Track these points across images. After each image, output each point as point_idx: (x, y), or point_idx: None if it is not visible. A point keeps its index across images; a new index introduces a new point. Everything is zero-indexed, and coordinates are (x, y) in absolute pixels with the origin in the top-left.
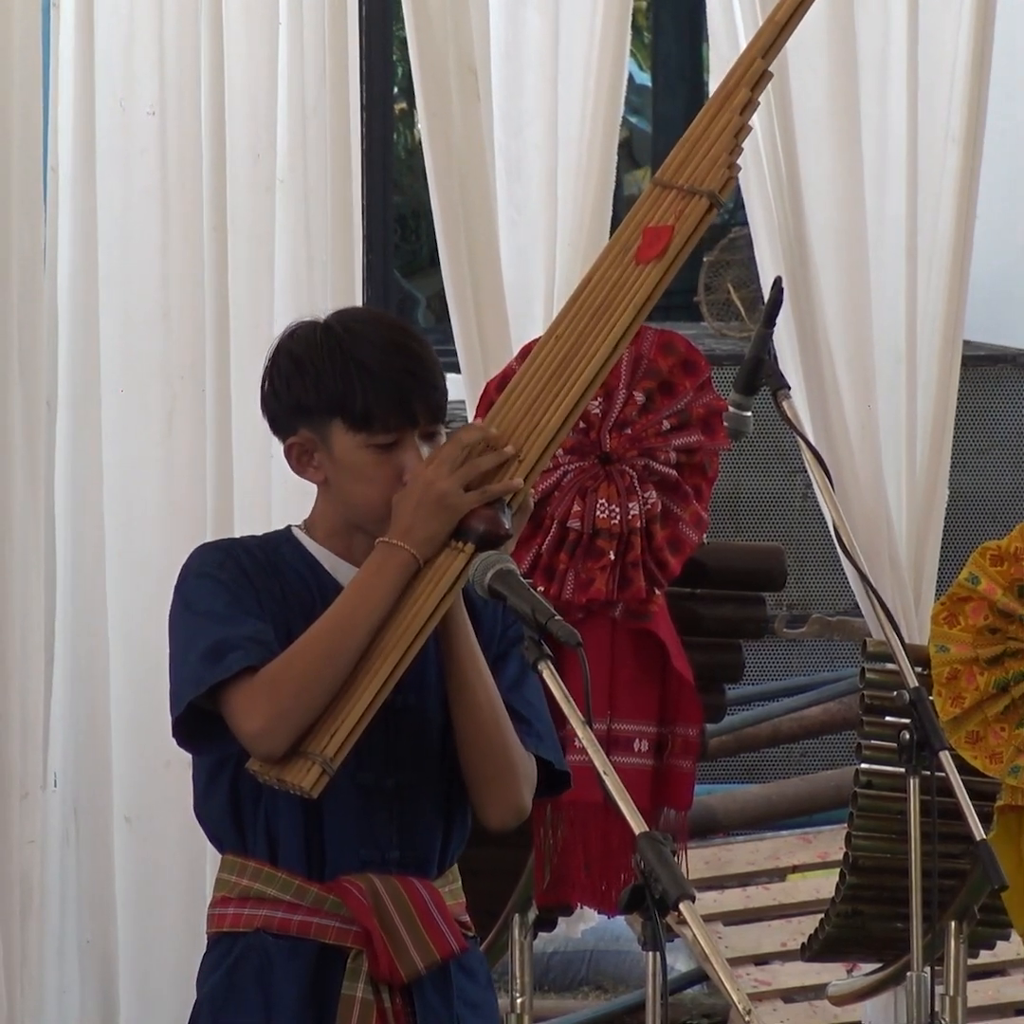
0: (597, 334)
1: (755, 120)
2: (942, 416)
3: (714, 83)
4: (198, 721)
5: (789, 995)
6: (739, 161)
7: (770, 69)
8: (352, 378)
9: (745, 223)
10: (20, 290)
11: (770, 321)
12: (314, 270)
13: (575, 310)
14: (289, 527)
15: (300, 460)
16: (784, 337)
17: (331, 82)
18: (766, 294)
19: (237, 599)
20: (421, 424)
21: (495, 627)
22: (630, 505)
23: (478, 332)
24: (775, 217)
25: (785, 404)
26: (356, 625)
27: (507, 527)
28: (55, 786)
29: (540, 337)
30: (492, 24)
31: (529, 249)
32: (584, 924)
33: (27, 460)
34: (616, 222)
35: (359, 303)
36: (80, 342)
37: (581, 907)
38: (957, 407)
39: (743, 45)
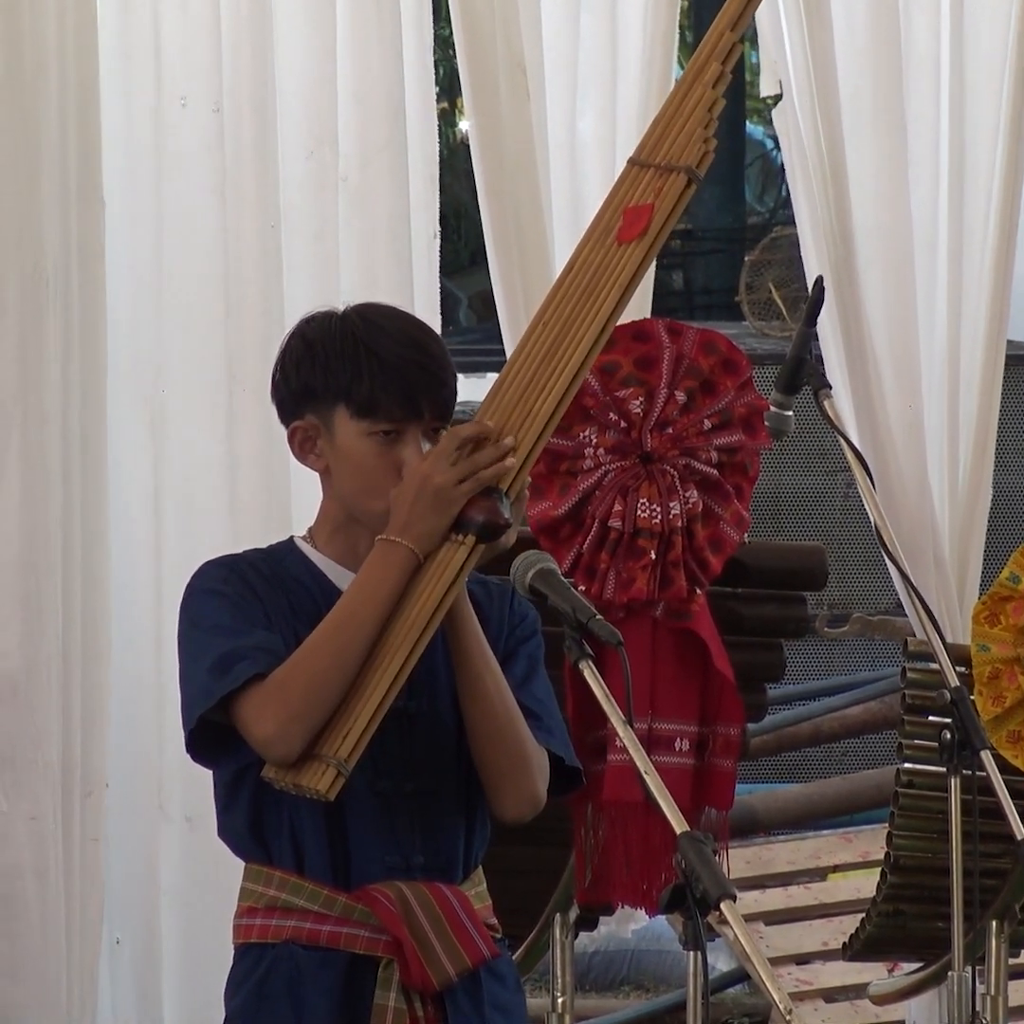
0: (584, 317)
1: (800, 118)
2: (986, 415)
3: (763, 82)
4: (212, 734)
5: (830, 995)
6: (791, 160)
7: (739, 41)
8: (361, 364)
9: (786, 222)
10: (81, 292)
11: (811, 320)
12: (387, 270)
13: (560, 295)
14: (292, 538)
15: (302, 446)
16: (829, 336)
17: (389, 75)
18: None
19: (242, 612)
20: (426, 418)
21: (502, 626)
22: (671, 504)
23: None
24: (820, 215)
25: (826, 403)
26: (361, 623)
27: (506, 517)
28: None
29: (528, 326)
30: (543, 22)
31: None
32: (634, 924)
33: (94, 460)
34: None
35: (434, 303)
36: (140, 341)
37: (622, 906)
38: (1001, 406)
39: (789, 46)
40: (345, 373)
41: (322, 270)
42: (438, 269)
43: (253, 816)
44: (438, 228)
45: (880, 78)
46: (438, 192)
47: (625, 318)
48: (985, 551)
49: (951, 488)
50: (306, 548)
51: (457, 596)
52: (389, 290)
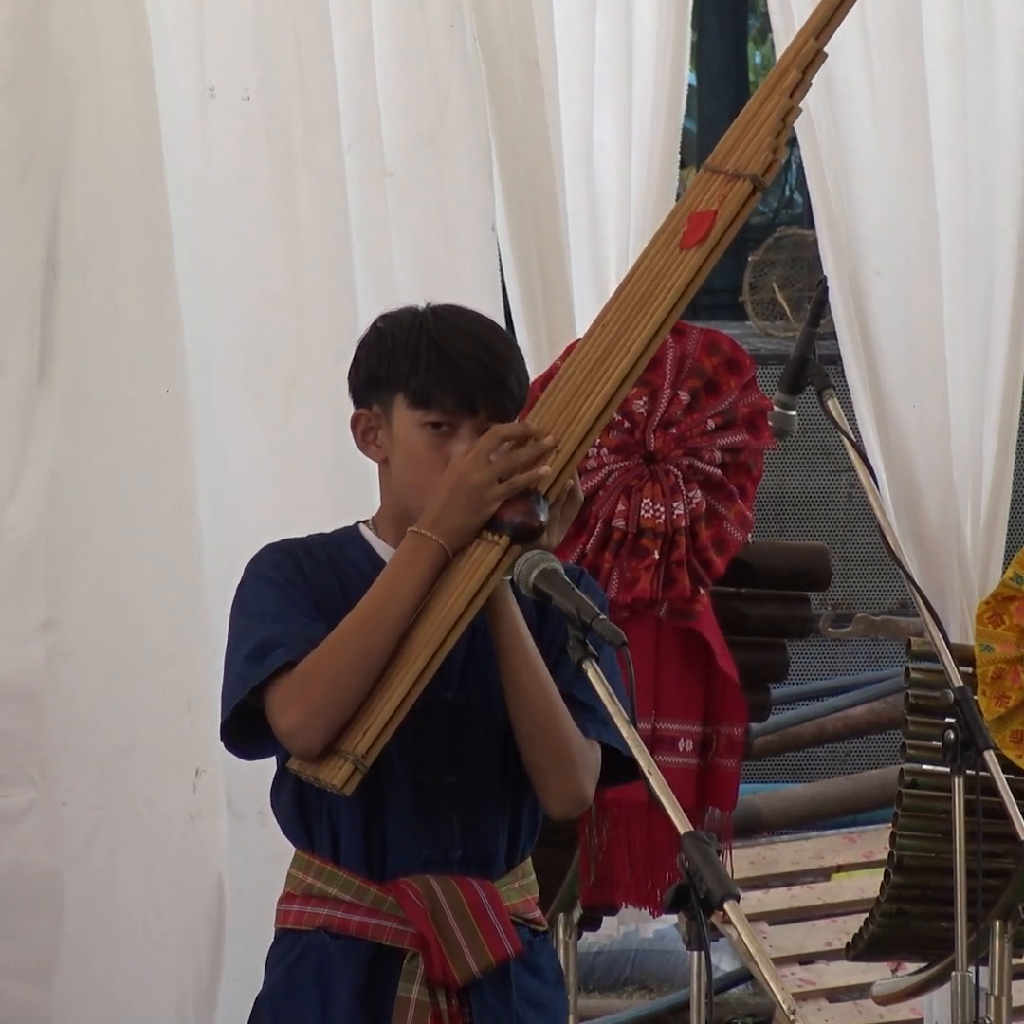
0: (639, 321)
1: (813, 114)
2: (1009, 414)
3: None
4: (250, 722)
5: (834, 994)
6: (807, 159)
7: (825, 50)
8: (420, 353)
9: (790, 222)
10: (165, 283)
11: (815, 320)
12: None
13: (622, 298)
14: (357, 524)
15: (365, 436)
16: (846, 337)
17: (433, 67)
18: (829, 294)
19: (290, 598)
20: (480, 416)
21: (563, 620)
22: (675, 504)
23: (546, 328)
24: (836, 213)
25: (830, 403)
26: (387, 617)
27: (542, 519)
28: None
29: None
30: (558, 24)
31: (600, 245)
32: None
33: (180, 462)
34: None
35: (496, 297)
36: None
37: (626, 906)
38: (1022, 405)
39: None
40: (405, 362)
41: (370, 265)
42: (497, 262)
43: (296, 801)
44: (495, 220)
45: (900, 69)
46: (493, 183)
47: None
48: (1005, 552)
49: (974, 488)
50: (369, 535)
51: (498, 591)
52: (442, 285)
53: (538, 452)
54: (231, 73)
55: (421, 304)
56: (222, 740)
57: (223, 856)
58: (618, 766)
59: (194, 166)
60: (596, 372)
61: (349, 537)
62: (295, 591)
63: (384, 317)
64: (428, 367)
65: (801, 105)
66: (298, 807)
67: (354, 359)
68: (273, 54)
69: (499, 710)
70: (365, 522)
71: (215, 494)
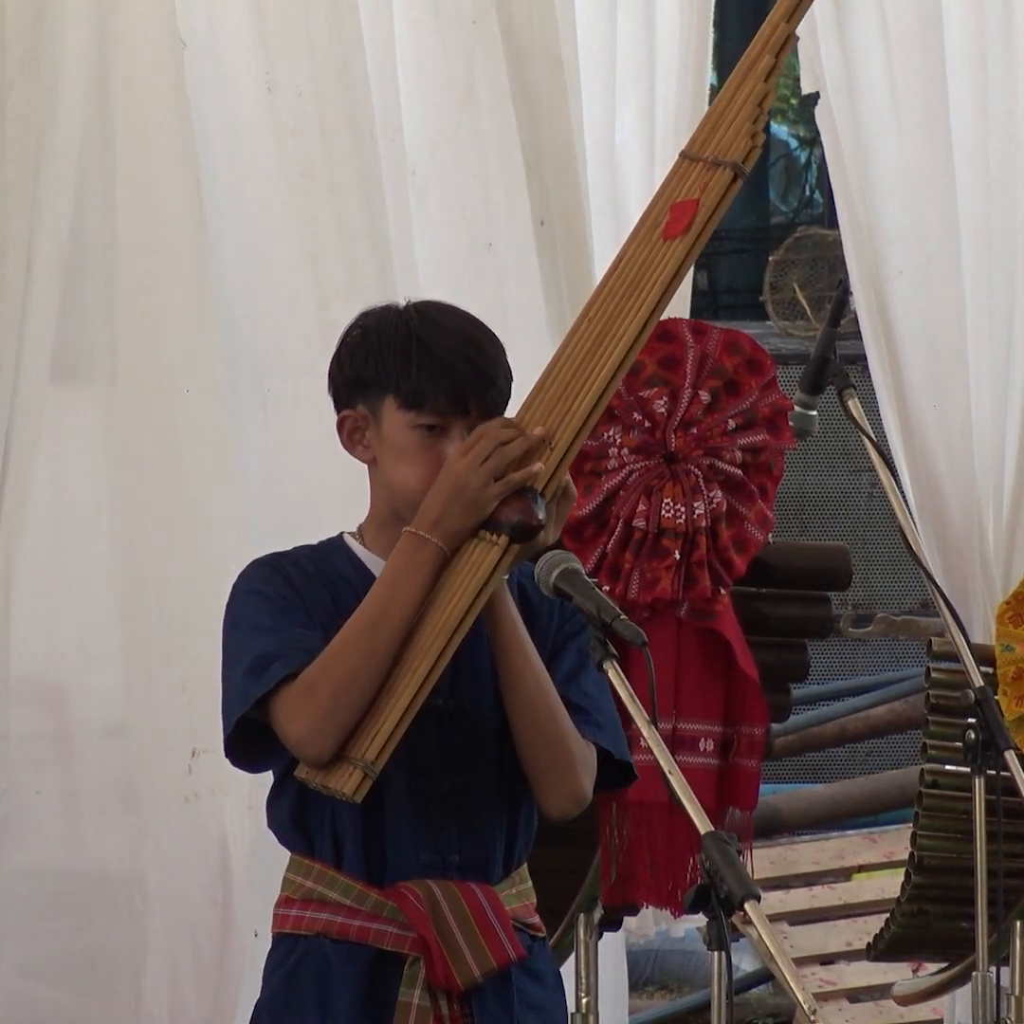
0: (627, 314)
1: (835, 115)
2: None
3: (804, 80)
4: (253, 735)
5: (855, 995)
6: (831, 159)
7: (796, 33)
8: (412, 355)
9: (810, 222)
10: (206, 278)
11: (835, 320)
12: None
13: (607, 290)
14: (342, 534)
15: (351, 436)
16: (870, 337)
17: (452, 62)
18: (853, 293)
19: (282, 610)
20: (472, 416)
21: (551, 623)
22: (695, 504)
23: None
24: (860, 214)
25: (850, 403)
26: (390, 620)
27: (540, 517)
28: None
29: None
30: (579, 21)
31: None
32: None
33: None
34: None
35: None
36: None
37: (647, 906)
38: None
39: (822, 46)
40: (395, 364)
41: (388, 261)
42: (535, 259)
43: (297, 808)
44: (543, 217)
45: (921, 70)
46: (529, 179)
47: (663, 316)
48: None
49: (996, 487)
50: (354, 544)
51: (497, 591)
52: (466, 285)
53: (527, 445)
54: (286, 69)
55: (401, 301)
56: (227, 756)
57: (229, 837)
58: (613, 770)
59: (251, 161)
60: (586, 366)
61: (334, 547)
62: (286, 603)
63: (365, 315)
64: (419, 369)
65: (822, 106)
66: (300, 813)
67: (336, 359)
68: (320, 50)
69: (491, 715)
70: (350, 532)
71: (265, 483)
